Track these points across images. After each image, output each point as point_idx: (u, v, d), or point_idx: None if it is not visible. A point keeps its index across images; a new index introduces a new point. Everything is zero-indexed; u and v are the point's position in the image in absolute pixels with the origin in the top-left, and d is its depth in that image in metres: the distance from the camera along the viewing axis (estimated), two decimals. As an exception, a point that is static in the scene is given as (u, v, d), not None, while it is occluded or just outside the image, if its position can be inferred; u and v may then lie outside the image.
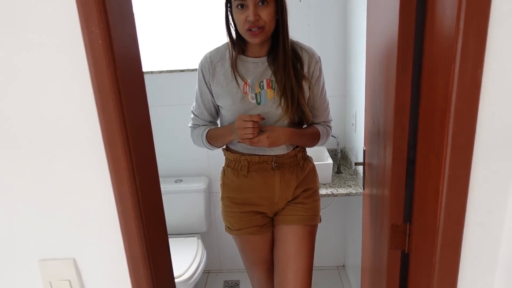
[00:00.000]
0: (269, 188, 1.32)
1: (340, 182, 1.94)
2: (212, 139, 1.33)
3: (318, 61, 1.28)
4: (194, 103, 1.37)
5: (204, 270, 2.12)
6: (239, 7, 1.11)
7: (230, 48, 1.25)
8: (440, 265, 0.71)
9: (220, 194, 1.43)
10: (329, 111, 1.40)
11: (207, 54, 1.30)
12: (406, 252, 0.89)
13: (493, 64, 0.59)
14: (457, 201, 0.66)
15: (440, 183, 0.66)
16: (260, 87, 1.23)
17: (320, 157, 2.08)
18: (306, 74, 1.26)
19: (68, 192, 0.67)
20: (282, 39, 1.19)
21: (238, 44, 1.24)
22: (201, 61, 1.30)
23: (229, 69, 1.25)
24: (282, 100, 1.22)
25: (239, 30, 1.17)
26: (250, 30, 1.13)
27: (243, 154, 1.31)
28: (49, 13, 0.58)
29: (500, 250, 0.69)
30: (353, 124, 2.02)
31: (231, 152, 1.35)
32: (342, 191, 1.83)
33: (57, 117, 0.63)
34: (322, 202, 1.60)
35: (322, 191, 1.82)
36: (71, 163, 0.65)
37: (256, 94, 1.24)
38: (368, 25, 1.18)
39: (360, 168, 1.84)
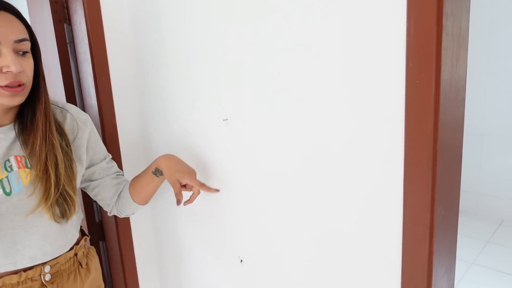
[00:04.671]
0: None
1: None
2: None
3: (92, 127, 0.98)
4: None
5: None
6: None
7: None
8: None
9: None
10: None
11: None
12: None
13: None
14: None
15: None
16: (6, 169, 0.81)
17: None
18: (79, 147, 0.93)
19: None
20: (43, 97, 0.84)
21: None
22: None
23: None
24: (39, 185, 0.82)
25: None
26: (8, 86, 0.75)
27: None
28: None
29: None
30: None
31: None
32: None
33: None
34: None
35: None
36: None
37: (1, 181, 0.80)
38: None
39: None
